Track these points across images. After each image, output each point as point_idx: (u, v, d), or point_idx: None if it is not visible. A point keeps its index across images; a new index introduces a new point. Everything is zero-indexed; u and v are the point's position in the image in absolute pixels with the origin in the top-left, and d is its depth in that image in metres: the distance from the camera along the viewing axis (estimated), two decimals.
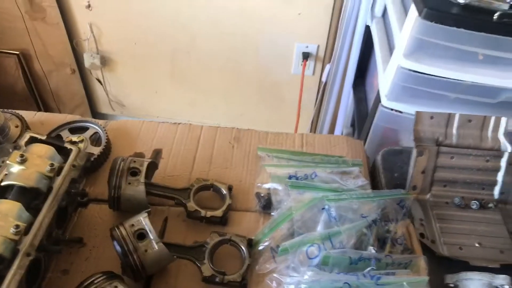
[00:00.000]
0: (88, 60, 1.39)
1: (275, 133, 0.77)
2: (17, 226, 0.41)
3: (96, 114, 1.59)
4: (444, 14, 0.69)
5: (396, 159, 0.69)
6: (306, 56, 1.29)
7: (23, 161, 0.49)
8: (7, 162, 0.50)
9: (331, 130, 1.31)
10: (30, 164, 0.49)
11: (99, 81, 1.48)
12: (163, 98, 1.51)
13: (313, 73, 1.35)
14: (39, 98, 1.52)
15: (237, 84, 1.43)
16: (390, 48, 0.86)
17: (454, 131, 0.64)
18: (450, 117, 0.65)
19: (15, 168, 0.48)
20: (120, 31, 1.34)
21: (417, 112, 0.66)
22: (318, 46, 1.28)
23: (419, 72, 0.75)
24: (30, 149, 0.54)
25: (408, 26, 0.73)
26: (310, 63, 1.32)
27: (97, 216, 0.60)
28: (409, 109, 0.80)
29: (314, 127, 1.44)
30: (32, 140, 0.58)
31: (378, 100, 0.85)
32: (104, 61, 1.42)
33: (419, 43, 0.73)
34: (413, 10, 0.72)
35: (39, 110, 1.53)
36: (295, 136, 0.77)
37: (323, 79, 1.27)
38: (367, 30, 1.04)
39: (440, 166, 0.63)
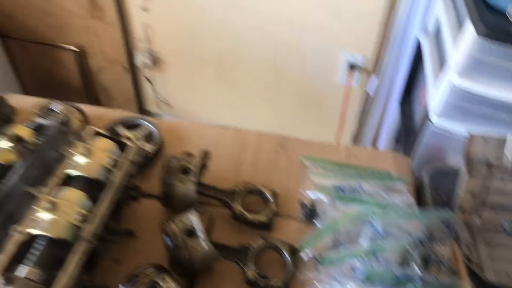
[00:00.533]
0: (140, 59, 1.45)
1: (321, 143, 0.78)
2: (81, 214, 0.44)
3: (143, 111, 1.65)
4: (502, 32, 0.68)
5: (443, 179, 0.68)
6: (351, 66, 1.29)
7: (87, 153, 0.52)
8: (72, 152, 0.53)
9: (373, 144, 1.30)
10: (94, 157, 0.52)
11: (148, 80, 1.53)
12: (208, 100, 1.55)
13: (358, 84, 1.34)
14: (91, 93, 1.59)
15: (280, 91, 1.44)
16: (442, 64, 0.84)
17: (508, 154, 0.63)
18: (504, 140, 0.63)
19: (80, 159, 0.52)
20: (172, 33, 1.39)
21: (470, 134, 0.65)
22: (365, 57, 1.27)
23: (472, 92, 0.74)
24: (93, 142, 0.57)
25: (464, 43, 0.72)
26: (356, 73, 1.31)
27: (147, 210, 0.62)
28: (459, 128, 0.79)
29: (355, 140, 1.43)
30: (95, 134, 0.62)
31: (426, 117, 0.84)
32: (155, 61, 1.47)
33: (474, 62, 0.72)
34: (469, 27, 0.70)
35: (90, 104, 1.60)
36: (341, 148, 0.78)
37: (369, 91, 1.26)
38: (417, 43, 1.03)
39: (490, 189, 0.61)
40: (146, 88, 1.58)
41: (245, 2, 1.23)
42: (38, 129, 0.66)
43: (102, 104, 1.62)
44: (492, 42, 0.68)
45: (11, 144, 0.59)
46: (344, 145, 0.79)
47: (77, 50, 1.45)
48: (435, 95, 0.82)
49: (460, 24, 0.76)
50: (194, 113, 1.60)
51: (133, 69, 1.51)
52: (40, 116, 0.75)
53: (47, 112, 0.78)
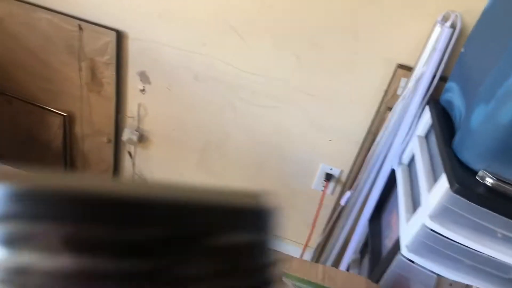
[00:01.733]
0: (127, 134, 1.48)
1: (300, 260, 0.82)
2: None
3: None
4: (472, 192, 0.78)
5: None
6: (329, 177, 1.38)
7: None
8: None
9: (342, 250, 1.36)
10: None
11: (130, 155, 1.56)
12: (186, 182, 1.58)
13: (332, 193, 1.43)
14: (69, 158, 1.59)
15: (258, 185, 1.50)
16: (415, 203, 0.94)
17: None
18: (467, 287, 0.70)
19: None
20: (162, 117, 1.45)
21: (438, 277, 0.71)
22: (342, 171, 1.37)
23: (442, 235, 0.82)
24: None
25: (437, 193, 0.82)
26: (332, 184, 1.40)
27: None
28: (427, 264, 0.86)
29: (324, 242, 1.49)
30: None
31: (397, 247, 0.92)
32: (141, 138, 1.51)
33: (445, 210, 0.81)
34: (444, 181, 0.80)
35: (65, 165, 1.59)
36: (318, 267, 0.82)
37: (342, 203, 1.34)
38: (392, 169, 1.14)
39: None
40: (125, 161, 1.60)
41: (238, 103, 1.33)
42: None
43: (77, 169, 1.61)
44: (462, 198, 0.77)
45: None
46: (322, 265, 0.84)
47: (65, 114, 1.47)
48: (407, 229, 0.90)
49: (435, 175, 0.87)
50: None
51: (117, 142, 1.54)
52: None
53: None
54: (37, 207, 0.12)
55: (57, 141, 1.53)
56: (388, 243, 1.06)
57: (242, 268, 0.15)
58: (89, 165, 1.61)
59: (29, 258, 0.12)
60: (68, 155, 1.58)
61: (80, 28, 1.29)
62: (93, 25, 1.28)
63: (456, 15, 0.95)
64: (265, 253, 0.16)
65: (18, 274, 0.12)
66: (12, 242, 0.12)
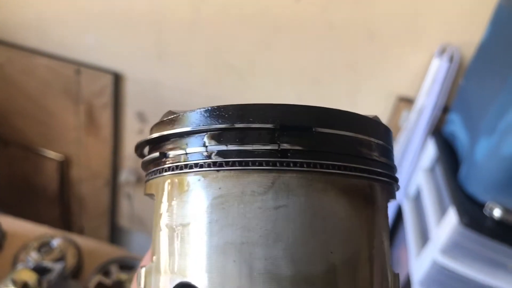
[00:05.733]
0: (124, 176, 1.47)
1: None
2: None
3: (114, 226, 1.62)
4: (481, 225, 0.77)
5: None
6: None
7: None
8: None
9: None
10: None
11: (129, 197, 1.54)
12: None
13: None
14: (65, 201, 1.56)
15: None
16: (424, 238, 0.92)
17: None
18: None
19: None
20: None
21: None
22: None
23: (451, 270, 0.81)
24: None
25: (447, 227, 0.81)
26: None
27: None
28: None
29: None
30: (100, 285, 0.61)
31: (408, 284, 0.89)
32: (139, 179, 1.49)
33: (455, 244, 0.80)
34: (452, 214, 0.80)
35: (62, 210, 1.56)
36: None
37: None
38: (398, 205, 1.13)
39: None
40: (122, 203, 1.57)
41: None
42: (38, 270, 0.64)
43: (73, 213, 1.58)
44: (471, 231, 0.76)
45: None
46: None
47: (61, 159, 1.46)
48: (418, 265, 0.88)
49: (442, 208, 0.86)
50: None
51: (114, 184, 1.52)
52: (37, 250, 0.74)
53: (43, 245, 0.76)
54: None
55: (52, 185, 1.50)
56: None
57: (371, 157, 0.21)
58: (85, 208, 1.58)
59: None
60: (64, 200, 1.55)
61: (78, 72, 1.29)
62: (91, 69, 1.29)
63: (454, 48, 0.97)
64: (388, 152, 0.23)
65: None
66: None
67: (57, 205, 1.55)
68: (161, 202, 0.20)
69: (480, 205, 0.79)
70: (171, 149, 0.21)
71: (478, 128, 0.81)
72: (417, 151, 1.03)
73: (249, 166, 0.18)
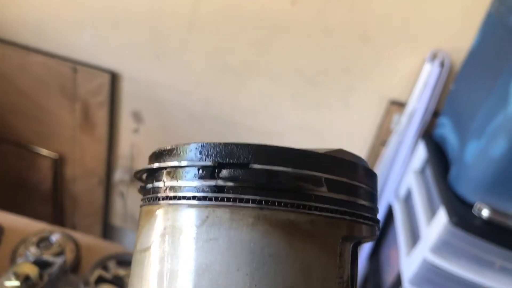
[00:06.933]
0: (119, 175, 1.47)
1: None
2: None
3: (107, 224, 1.62)
4: (470, 224, 0.80)
5: None
6: None
7: None
8: None
9: None
10: None
11: (122, 195, 1.54)
12: None
13: None
14: (58, 199, 1.56)
15: None
16: (414, 237, 0.95)
17: None
18: None
19: None
20: None
21: None
22: None
23: (442, 268, 0.83)
24: None
25: (437, 226, 0.83)
26: None
27: None
28: None
29: None
30: (100, 279, 0.63)
31: (398, 282, 0.92)
32: (133, 178, 1.50)
33: (445, 243, 0.83)
34: (442, 214, 0.82)
35: (55, 208, 1.56)
36: None
37: None
38: (388, 205, 1.16)
39: None
40: (116, 202, 1.58)
41: (234, 140, 1.34)
42: (39, 264, 0.65)
43: (67, 212, 1.58)
44: (461, 231, 0.79)
45: (18, 284, 0.58)
46: None
47: (55, 157, 1.46)
48: (408, 264, 0.90)
49: (432, 208, 0.89)
50: None
51: (108, 183, 1.53)
52: (36, 245, 0.74)
53: (42, 240, 0.77)
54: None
55: (46, 183, 1.50)
56: (388, 278, 1.06)
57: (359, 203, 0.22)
58: (79, 207, 1.58)
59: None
60: (57, 197, 1.55)
61: (75, 70, 1.30)
62: (87, 68, 1.29)
63: (444, 54, 1.00)
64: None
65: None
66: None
67: (50, 203, 1.55)
68: (137, 227, 0.23)
69: (469, 206, 0.81)
70: (148, 182, 0.24)
71: (467, 131, 0.84)
72: (408, 154, 1.05)
73: (190, 200, 0.20)
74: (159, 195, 0.22)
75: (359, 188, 0.22)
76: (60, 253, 0.74)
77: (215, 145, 0.21)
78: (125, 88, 1.33)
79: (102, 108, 1.35)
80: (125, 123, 1.40)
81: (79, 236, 0.84)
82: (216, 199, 0.20)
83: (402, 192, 1.11)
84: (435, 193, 0.88)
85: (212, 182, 0.20)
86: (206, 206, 0.20)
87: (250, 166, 0.20)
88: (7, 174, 1.54)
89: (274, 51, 1.16)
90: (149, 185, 0.23)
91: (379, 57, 1.08)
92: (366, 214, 0.22)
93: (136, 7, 1.20)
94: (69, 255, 0.76)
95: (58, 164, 1.48)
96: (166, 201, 0.21)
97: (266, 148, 0.21)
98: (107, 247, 0.84)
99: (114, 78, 1.31)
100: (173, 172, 0.22)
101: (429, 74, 0.99)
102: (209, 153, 0.21)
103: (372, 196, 0.23)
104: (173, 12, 1.18)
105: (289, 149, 0.21)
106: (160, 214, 0.21)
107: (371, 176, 0.24)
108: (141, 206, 0.24)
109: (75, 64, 1.30)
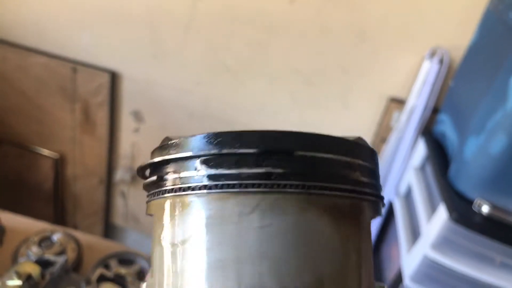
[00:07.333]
0: (120, 174, 1.48)
1: None
2: None
3: (108, 224, 1.62)
4: (470, 220, 0.80)
5: None
6: None
7: None
8: None
9: None
10: None
11: (123, 195, 1.54)
12: None
13: None
14: (59, 199, 1.56)
15: None
16: (415, 234, 0.95)
17: None
18: None
19: None
20: None
21: None
22: None
23: (442, 265, 0.84)
24: (101, 287, 0.58)
25: (437, 223, 0.84)
26: None
27: None
28: None
29: None
30: (102, 277, 0.63)
31: (399, 279, 0.92)
32: (134, 177, 1.50)
33: (445, 240, 0.83)
34: (442, 211, 0.82)
35: (56, 208, 1.56)
36: None
37: None
38: (389, 202, 1.16)
39: None
40: (117, 201, 1.58)
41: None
42: (41, 263, 0.66)
43: (68, 212, 1.59)
44: (461, 227, 0.79)
45: (20, 283, 0.59)
46: None
47: (56, 157, 1.46)
48: (409, 261, 0.91)
49: (433, 205, 0.89)
50: None
51: (109, 183, 1.53)
52: (38, 245, 0.75)
53: (43, 239, 0.78)
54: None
55: (47, 183, 1.51)
56: (389, 275, 1.06)
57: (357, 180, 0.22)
58: (79, 207, 1.59)
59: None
60: (59, 197, 1.55)
61: (74, 70, 1.30)
62: (87, 68, 1.30)
63: (443, 51, 1.00)
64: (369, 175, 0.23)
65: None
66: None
67: (51, 203, 1.55)
68: (161, 221, 0.22)
69: (469, 202, 0.81)
70: (169, 173, 0.23)
71: (467, 127, 0.84)
72: (408, 151, 1.06)
73: (235, 188, 0.20)
74: (194, 184, 0.21)
75: (376, 171, 0.24)
76: (61, 252, 0.75)
77: (259, 133, 0.21)
78: (125, 87, 1.33)
79: (102, 108, 1.35)
80: (125, 122, 1.40)
81: (80, 235, 0.84)
82: (265, 186, 0.20)
83: (402, 189, 1.12)
84: (435, 190, 0.88)
85: (259, 170, 0.20)
86: (255, 193, 0.20)
87: (295, 153, 0.21)
88: (8, 174, 1.54)
89: (273, 51, 1.16)
90: (175, 175, 0.22)
91: (378, 55, 1.08)
92: (381, 194, 0.24)
93: (135, 7, 1.20)
94: (71, 254, 0.76)
95: (59, 164, 1.48)
96: (205, 191, 0.21)
97: (308, 135, 0.21)
98: (108, 246, 0.84)
99: (114, 78, 1.31)
100: (213, 160, 0.21)
101: (428, 71, 0.99)
102: (252, 140, 0.21)
103: (378, 175, 0.25)
104: (172, 12, 1.18)
105: (329, 137, 0.22)
106: (200, 204, 0.21)
107: (377, 159, 0.26)
108: (155, 198, 0.23)
109: (75, 65, 1.30)
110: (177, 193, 0.22)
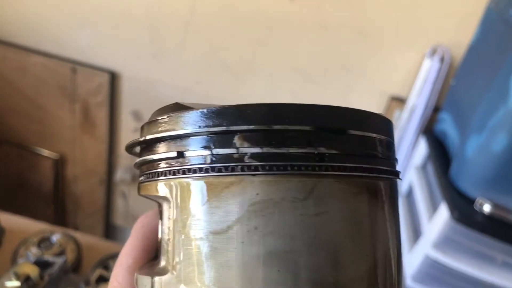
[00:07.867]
0: (120, 174, 1.47)
1: None
2: None
3: (109, 224, 1.62)
4: (471, 219, 0.79)
5: None
6: None
7: None
8: None
9: None
10: None
11: (124, 195, 1.54)
12: None
13: None
14: (60, 200, 1.56)
15: None
16: (414, 229, 0.95)
17: None
18: None
19: None
20: None
21: None
22: None
23: (443, 264, 0.83)
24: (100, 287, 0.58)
25: (438, 222, 0.83)
26: None
27: None
28: None
29: None
30: (101, 278, 0.63)
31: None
32: (134, 177, 1.50)
33: (447, 239, 0.83)
34: (443, 210, 0.82)
35: (56, 209, 1.56)
36: None
37: None
38: None
39: None
40: (117, 201, 1.58)
41: None
42: (40, 264, 0.65)
43: (68, 212, 1.58)
44: (462, 226, 0.79)
45: (18, 284, 0.58)
46: None
47: (56, 158, 1.46)
48: (410, 260, 0.90)
49: (434, 204, 0.88)
50: None
51: (109, 183, 1.53)
52: (37, 245, 0.74)
53: (43, 240, 0.77)
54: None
55: (47, 184, 1.51)
56: None
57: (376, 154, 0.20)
58: (80, 207, 1.58)
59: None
60: (59, 198, 1.55)
61: (74, 70, 1.30)
62: (86, 68, 1.29)
63: (444, 49, 1.00)
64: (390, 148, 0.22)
65: None
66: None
67: (51, 203, 1.55)
68: (182, 207, 0.19)
69: (471, 201, 0.81)
70: (190, 150, 0.19)
71: (468, 126, 0.83)
72: (409, 149, 1.05)
73: (288, 170, 0.17)
74: (233, 164, 0.17)
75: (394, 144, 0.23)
76: (61, 253, 0.74)
77: (309, 107, 0.18)
78: (125, 87, 1.33)
79: (102, 108, 1.35)
80: (125, 122, 1.39)
81: (79, 236, 0.84)
82: (320, 168, 0.18)
83: (404, 188, 1.11)
84: (436, 189, 0.88)
85: (312, 150, 0.18)
86: (309, 176, 0.18)
87: (347, 131, 0.19)
88: (8, 175, 1.54)
89: (273, 49, 1.16)
90: (206, 152, 0.18)
91: (379, 53, 1.08)
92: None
93: (135, 7, 1.20)
94: (70, 255, 0.76)
95: (59, 164, 1.48)
96: (246, 172, 0.17)
97: (358, 112, 0.20)
98: (107, 247, 0.84)
99: (114, 78, 1.31)
100: (257, 137, 0.18)
101: (429, 69, 0.99)
102: (304, 116, 0.18)
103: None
104: (171, 11, 1.17)
105: (370, 114, 0.20)
106: (242, 187, 0.17)
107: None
108: (169, 178, 0.19)
109: (75, 65, 1.29)
110: (208, 174, 0.18)
